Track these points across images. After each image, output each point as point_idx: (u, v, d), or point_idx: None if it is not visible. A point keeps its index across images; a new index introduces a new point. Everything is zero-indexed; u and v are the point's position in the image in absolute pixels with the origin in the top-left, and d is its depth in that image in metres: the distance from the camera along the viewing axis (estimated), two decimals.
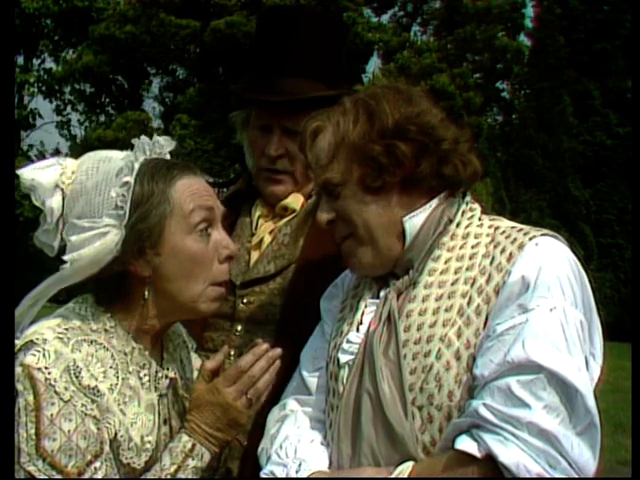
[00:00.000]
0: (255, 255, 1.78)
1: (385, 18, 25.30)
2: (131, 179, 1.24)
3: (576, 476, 1.11)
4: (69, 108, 23.44)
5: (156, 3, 19.08)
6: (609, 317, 17.04)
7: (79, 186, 1.27)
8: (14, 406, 1.17)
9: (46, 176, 1.27)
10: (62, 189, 1.27)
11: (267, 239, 1.79)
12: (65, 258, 1.22)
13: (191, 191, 1.28)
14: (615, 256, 19.72)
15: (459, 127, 1.35)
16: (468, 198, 1.36)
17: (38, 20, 22.36)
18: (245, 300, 1.73)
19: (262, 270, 1.74)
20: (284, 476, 1.30)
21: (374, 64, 32.76)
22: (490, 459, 1.12)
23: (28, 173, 1.28)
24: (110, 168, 1.27)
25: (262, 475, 1.35)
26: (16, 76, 21.93)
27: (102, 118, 22.10)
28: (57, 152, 25.20)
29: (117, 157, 1.29)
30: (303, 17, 1.83)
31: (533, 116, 20.45)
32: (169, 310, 1.30)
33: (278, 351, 1.32)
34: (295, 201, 1.77)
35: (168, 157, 1.34)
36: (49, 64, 24.15)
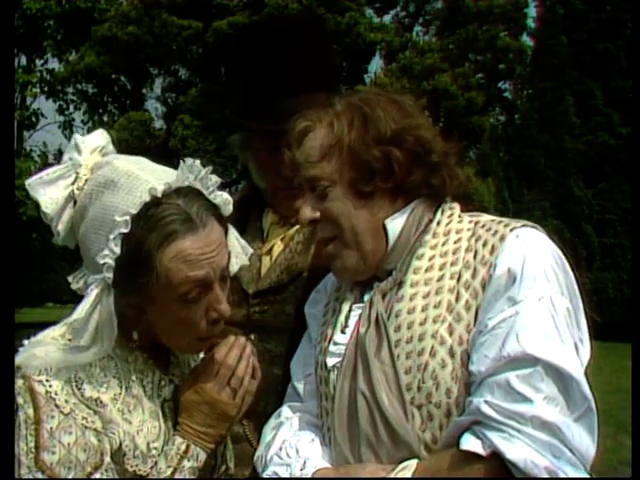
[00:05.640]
0: (266, 262, 1.79)
1: (387, 18, 25.27)
2: (125, 230, 1.19)
3: (580, 463, 1.13)
4: (72, 108, 23.46)
5: (158, 4, 19.07)
6: (612, 317, 16.99)
7: (82, 209, 1.26)
8: (14, 407, 1.17)
9: (58, 193, 1.27)
10: (75, 200, 1.27)
11: (278, 246, 1.79)
12: (71, 319, 1.21)
13: (183, 257, 1.20)
14: (618, 256, 19.66)
15: (446, 140, 1.38)
16: (448, 198, 1.38)
17: (41, 21, 22.33)
18: (258, 309, 1.74)
19: (275, 279, 1.75)
20: (288, 476, 1.31)
21: (376, 64, 32.77)
22: (496, 456, 1.13)
23: (43, 198, 1.26)
24: (110, 203, 1.22)
25: (264, 477, 1.35)
26: (19, 77, 21.94)
27: (105, 118, 22.10)
28: (60, 152, 25.20)
29: (124, 187, 1.23)
30: (292, 29, 1.78)
31: (535, 116, 20.42)
32: (160, 340, 1.32)
33: (242, 339, 1.35)
34: None
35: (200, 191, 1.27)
36: (52, 65, 24.18)
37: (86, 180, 1.27)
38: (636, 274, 2.59)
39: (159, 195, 1.21)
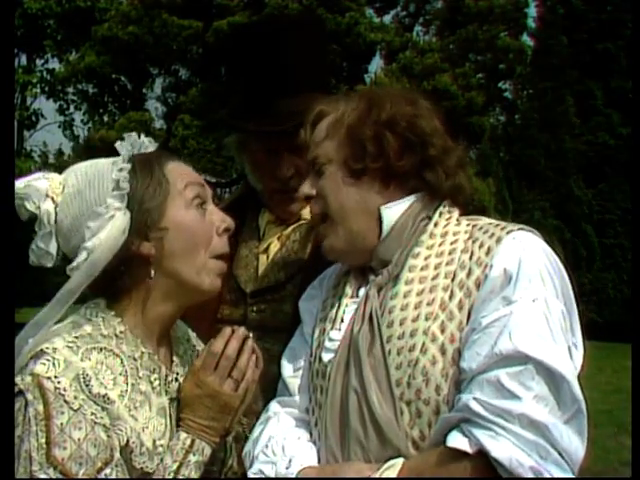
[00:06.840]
0: (263, 260, 1.79)
1: (387, 18, 25.32)
2: (128, 165, 1.29)
3: (567, 465, 1.13)
4: (72, 108, 23.50)
5: (158, 4, 19.09)
6: (612, 317, 17.00)
7: (72, 189, 1.30)
8: (13, 407, 1.17)
9: (38, 184, 1.30)
10: (52, 197, 1.29)
11: (275, 245, 1.79)
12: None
13: (181, 171, 1.35)
14: (618, 256, 19.65)
15: (457, 143, 1.40)
16: (447, 202, 1.39)
17: (41, 21, 22.37)
18: (256, 308, 1.74)
19: (273, 278, 1.75)
20: (273, 474, 1.31)
21: (376, 64, 32.78)
22: (482, 454, 1.13)
23: (19, 182, 1.30)
24: (100, 167, 1.31)
25: (250, 474, 1.35)
26: (19, 77, 21.96)
27: (105, 118, 22.13)
28: (60, 152, 25.24)
29: (103, 161, 1.33)
30: (288, 29, 1.78)
31: (536, 116, 20.42)
32: (174, 291, 1.32)
33: (242, 329, 1.35)
34: (308, 210, 1.78)
35: None
36: (52, 65, 24.22)
37: (59, 182, 1.32)
38: (636, 274, 2.59)
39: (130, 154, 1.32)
